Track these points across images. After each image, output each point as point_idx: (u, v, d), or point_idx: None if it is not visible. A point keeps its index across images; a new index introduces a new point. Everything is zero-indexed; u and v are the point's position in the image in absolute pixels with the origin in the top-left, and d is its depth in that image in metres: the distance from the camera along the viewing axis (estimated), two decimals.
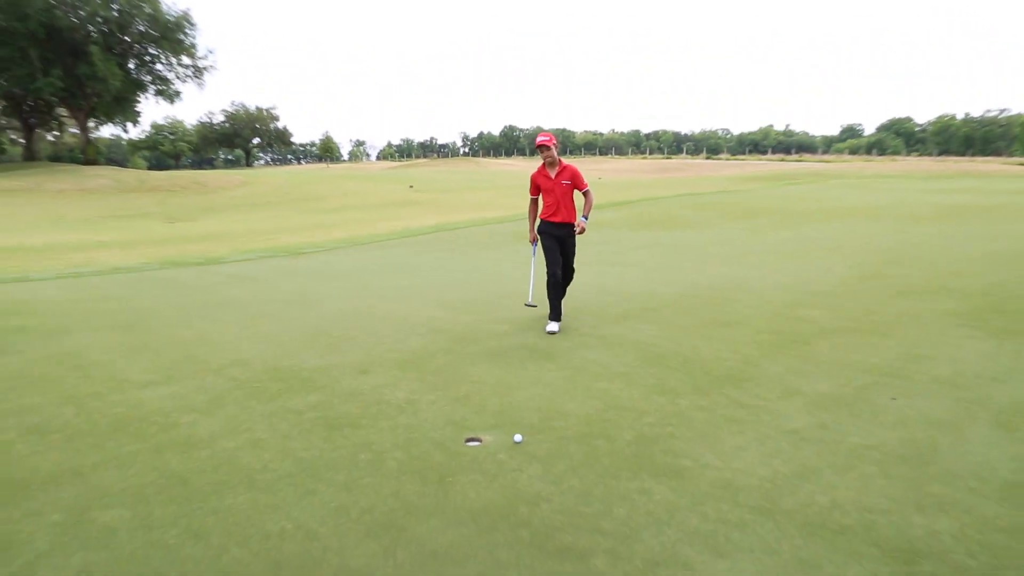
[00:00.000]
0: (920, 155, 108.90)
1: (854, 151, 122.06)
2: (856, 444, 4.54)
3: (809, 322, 7.77)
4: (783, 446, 4.54)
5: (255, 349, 7.12)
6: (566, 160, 8.16)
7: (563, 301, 7.96)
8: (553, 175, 7.54)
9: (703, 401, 5.33)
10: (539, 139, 7.38)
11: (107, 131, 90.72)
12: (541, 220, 7.71)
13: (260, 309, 9.18)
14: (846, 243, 14.23)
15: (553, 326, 7.53)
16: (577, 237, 7.70)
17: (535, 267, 8.17)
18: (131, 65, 61.52)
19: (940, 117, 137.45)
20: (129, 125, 72.14)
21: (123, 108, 63.77)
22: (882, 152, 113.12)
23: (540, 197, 7.75)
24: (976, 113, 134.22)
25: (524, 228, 19.17)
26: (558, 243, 7.61)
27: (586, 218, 7.60)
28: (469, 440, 4.76)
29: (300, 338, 7.57)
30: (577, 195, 7.68)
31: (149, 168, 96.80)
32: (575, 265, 7.93)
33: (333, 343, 7.32)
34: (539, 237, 7.74)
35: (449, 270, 12.83)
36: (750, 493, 3.94)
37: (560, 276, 7.62)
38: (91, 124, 65.91)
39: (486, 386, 5.87)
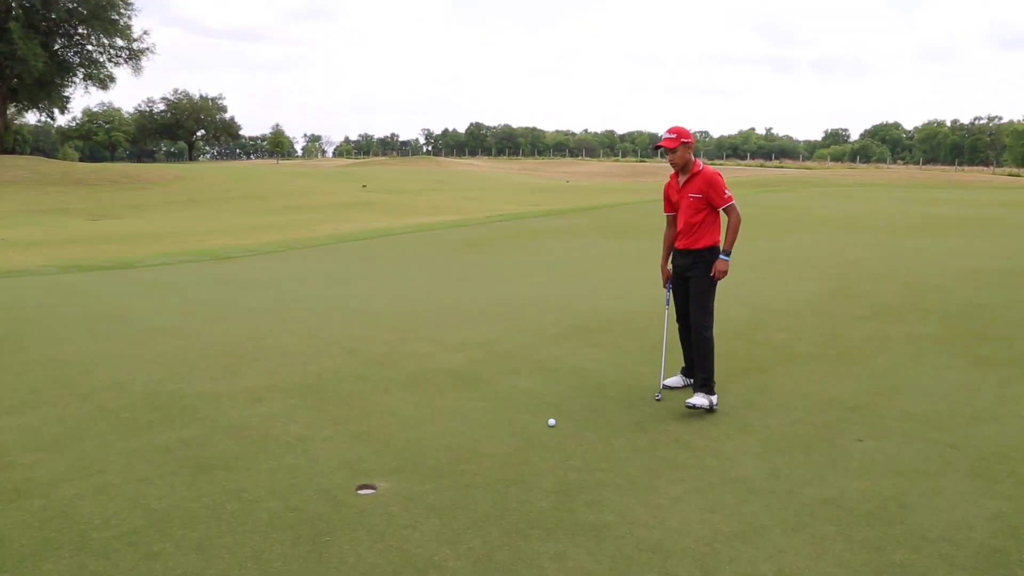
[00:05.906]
0: (906, 163, 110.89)
1: (837, 157, 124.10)
2: (812, 497, 4.19)
3: (770, 346, 7.49)
4: (727, 498, 4.17)
5: (138, 371, 6.60)
6: (706, 163, 6.02)
7: (698, 367, 5.74)
8: (680, 184, 5.83)
9: (641, 440, 4.95)
10: (664, 137, 5.66)
11: (33, 117, 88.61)
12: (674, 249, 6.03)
13: (159, 323, 8.65)
14: (819, 256, 14.07)
15: (696, 399, 5.52)
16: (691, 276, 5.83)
17: (668, 328, 6.24)
18: (56, 46, 60.15)
19: (928, 123, 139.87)
20: (56, 112, 70.22)
21: (48, 92, 62.31)
22: (867, 159, 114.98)
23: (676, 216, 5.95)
24: (965, 120, 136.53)
25: (478, 235, 18.77)
26: (681, 280, 5.93)
27: (727, 255, 5.68)
28: (361, 488, 4.32)
29: (195, 358, 7.07)
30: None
31: (81, 159, 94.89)
32: (704, 317, 5.77)
33: (232, 364, 6.83)
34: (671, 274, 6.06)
35: (383, 280, 12.39)
36: (682, 559, 3.54)
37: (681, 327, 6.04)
38: (11, 109, 64.32)
39: (395, 419, 5.45)
